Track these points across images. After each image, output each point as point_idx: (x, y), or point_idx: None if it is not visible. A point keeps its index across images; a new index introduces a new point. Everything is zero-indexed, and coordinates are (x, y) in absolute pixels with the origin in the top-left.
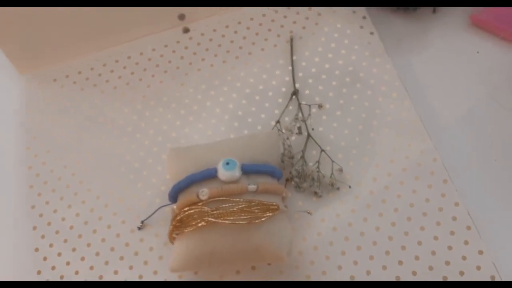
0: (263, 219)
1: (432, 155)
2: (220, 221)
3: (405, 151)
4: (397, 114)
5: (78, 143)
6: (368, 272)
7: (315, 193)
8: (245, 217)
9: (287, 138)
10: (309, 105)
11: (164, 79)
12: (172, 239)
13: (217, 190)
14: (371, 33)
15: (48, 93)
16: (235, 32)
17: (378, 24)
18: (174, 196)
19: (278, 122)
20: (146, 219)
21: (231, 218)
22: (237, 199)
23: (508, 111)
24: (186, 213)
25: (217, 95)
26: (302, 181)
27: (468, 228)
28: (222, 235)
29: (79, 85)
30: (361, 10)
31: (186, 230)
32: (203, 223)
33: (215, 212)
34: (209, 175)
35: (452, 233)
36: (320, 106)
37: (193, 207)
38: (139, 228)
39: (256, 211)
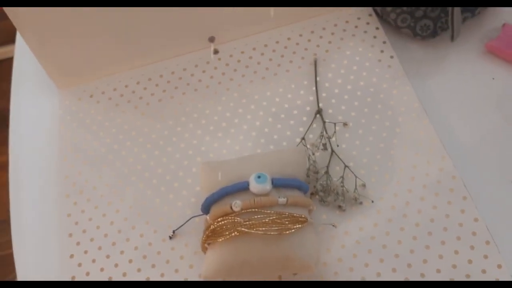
0: (292, 230)
1: (451, 173)
2: (252, 231)
3: (424, 168)
4: (416, 133)
5: (113, 156)
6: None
7: (339, 207)
8: (276, 228)
9: (313, 154)
10: (334, 123)
11: (195, 97)
12: (204, 249)
13: (249, 202)
14: (391, 57)
15: (85, 108)
16: (262, 54)
17: (397, 49)
18: (207, 208)
19: (303, 138)
20: (178, 228)
21: (263, 229)
22: (268, 211)
23: None
24: (220, 223)
25: (245, 113)
26: (327, 195)
27: (487, 243)
28: (253, 245)
29: (114, 101)
30: (381, 35)
31: (219, 240)
32: (235, 233)
33: (247, 223)
34: (242, 188)
35: (472, 247)
36: (345, 124)
37: (226, 217)
38: (171, 238)
39: (286, 222)
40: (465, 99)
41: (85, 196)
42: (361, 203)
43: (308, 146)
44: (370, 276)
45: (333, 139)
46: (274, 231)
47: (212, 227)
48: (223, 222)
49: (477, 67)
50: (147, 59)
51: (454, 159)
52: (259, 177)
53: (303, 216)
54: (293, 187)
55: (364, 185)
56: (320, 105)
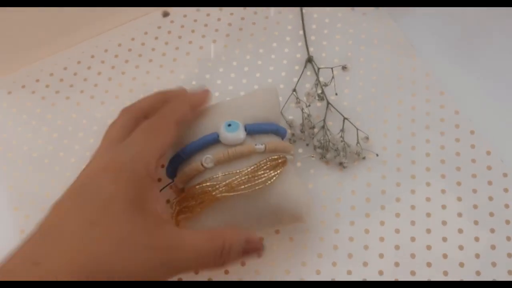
0: (274, 177)
1: (453, 108)
2: (231, 194)
3: (424, 108)
4: (407, 72)
5: (64, 153)
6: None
7: (341, 163)
8: (257, 181)
9: (307, 106)
10: (332, 68)
11: (150, 68)
12: (178, 222)
13: (223, 154)
14: None
15: (18, 101)
16: (220, 9)
17: None
18: (173, 170)
19: (294, 90)
20: None
21: (244, 186)
22: (246, 163)
23: None
24: (192, 190)
25: (227, 72)
26: (325, 152)
27: (505, 175)
28: (236, 206)
29: (53, 88)
30: None
31: (196, 210)
32: (214, 197)
33: (224, 184)
34: (211, 141)
35: (490, 183)
36: (344, 68)
37: (198, 178)
38: None
39: (268, 170)
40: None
41: (37, 206)
42: (364, 157)
43: (303, 99)
44: (387, 232)
45: (332, 85)
46: (256, 184)
47: (183, 194)
48: (196, 187)
49: None
50: (85, 33)
51: (453, 94)
52: (229, 125)
53: (281, 156)
54: (269, 132)
55: (367, 138)
56: (311, 49)
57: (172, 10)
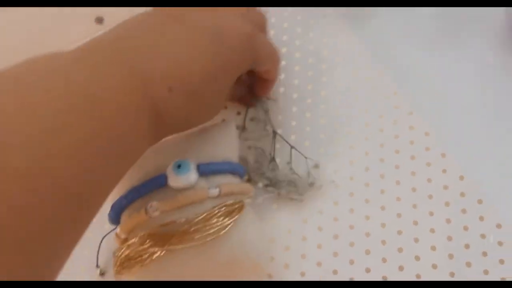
0: (230, 226)
1: (407, 123)
2: (180, 247)
3: (378, 124)
4: (346, 84)
5: None
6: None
7: (294, 199)
8: (210, 230)
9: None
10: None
11: None
12: (119, 277)
13: (171, 201)
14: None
15: None
16: None
17: None
18: (116, 217)
19: (244, 127)
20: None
21: (196, 237)
22: (197, 209)
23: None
24: (133, 247)
25: None
26: (279, 188)
27: (480, 201)
28: (186, 258)
29: None
30: None
31: (138, 266)
32: (159, 253)
33: (172, 235)
34: (158, 184)
35: (462, 194)
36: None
37: (142, 228)
38: (102, 274)
39: (222, 218)
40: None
41: None
42: (317, 186)
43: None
44: (345, 267)
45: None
46: (209, 235)
47: (124, 250)
48: (139, 239)
49: None
50: None
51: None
52: (179, 166)
53: (238, 201)
54: (225, 172)
55: (317, 166)
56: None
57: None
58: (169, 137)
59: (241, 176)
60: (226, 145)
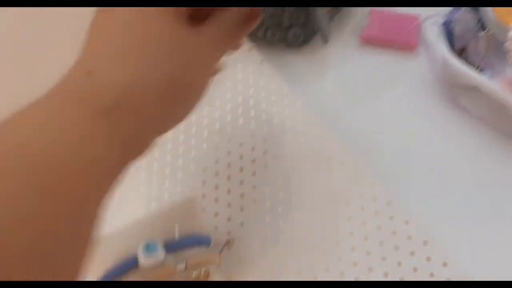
0: None
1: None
2: None
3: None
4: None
5: None
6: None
7: None
8: None
9: None
10: None
11: None
12: None
13: (143, 279)
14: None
15: None
16: None
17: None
18: None
19: None
20: None
21: None
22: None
23: (417, 114)
24: None
25: None
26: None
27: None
28: None
29: None
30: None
31: None
32: None
33: None
34: (131, 266)
35: (391, 217)
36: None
37: None
38: None
39: None
40: (350, 93)
41: None
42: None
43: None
44: None
45: None
46: None
47: None
48: None
49: (357, 61)
50: None
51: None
52: (148, 247)
53: (204, 270)
54: (191, 245)
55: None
56: None
57: None
58: (139, 218)
59: (208, 245)
60: (192, 218)
